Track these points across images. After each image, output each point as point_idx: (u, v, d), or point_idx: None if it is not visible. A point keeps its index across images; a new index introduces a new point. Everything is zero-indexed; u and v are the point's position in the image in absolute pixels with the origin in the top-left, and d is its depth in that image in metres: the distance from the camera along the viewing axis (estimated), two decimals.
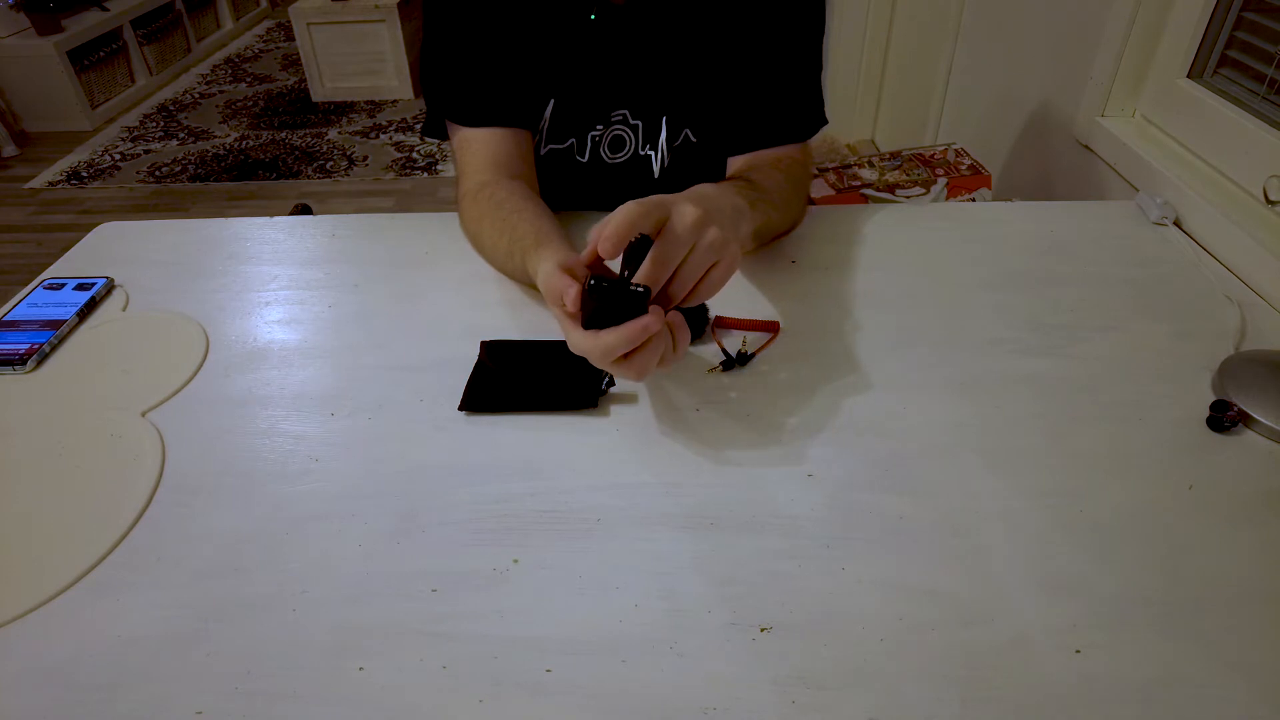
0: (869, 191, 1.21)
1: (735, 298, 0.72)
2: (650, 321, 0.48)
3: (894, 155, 1.29)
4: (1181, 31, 0.93)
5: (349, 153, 2.98)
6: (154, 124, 3.31)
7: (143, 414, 0.61)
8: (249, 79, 3.77)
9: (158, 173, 2.89)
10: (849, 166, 1.27)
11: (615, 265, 0.51)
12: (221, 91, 3.63)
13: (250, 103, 3.48)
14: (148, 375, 0.65)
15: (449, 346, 0.66)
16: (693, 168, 0.82)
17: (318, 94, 3.41)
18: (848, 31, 2.10)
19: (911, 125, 1.92)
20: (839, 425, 0.58)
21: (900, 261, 0.78)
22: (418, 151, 2.98)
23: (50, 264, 0.81)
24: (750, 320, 0.68)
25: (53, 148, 3.11)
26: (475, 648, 0.44)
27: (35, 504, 0.54)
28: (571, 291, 0.50)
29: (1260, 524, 0.50)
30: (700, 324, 0.67)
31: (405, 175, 2.82)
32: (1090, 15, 1.09)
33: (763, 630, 0.45)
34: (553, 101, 0.79)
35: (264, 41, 4.34)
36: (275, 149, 3.03)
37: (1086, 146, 1.09)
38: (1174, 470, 0.54)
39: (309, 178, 2.82)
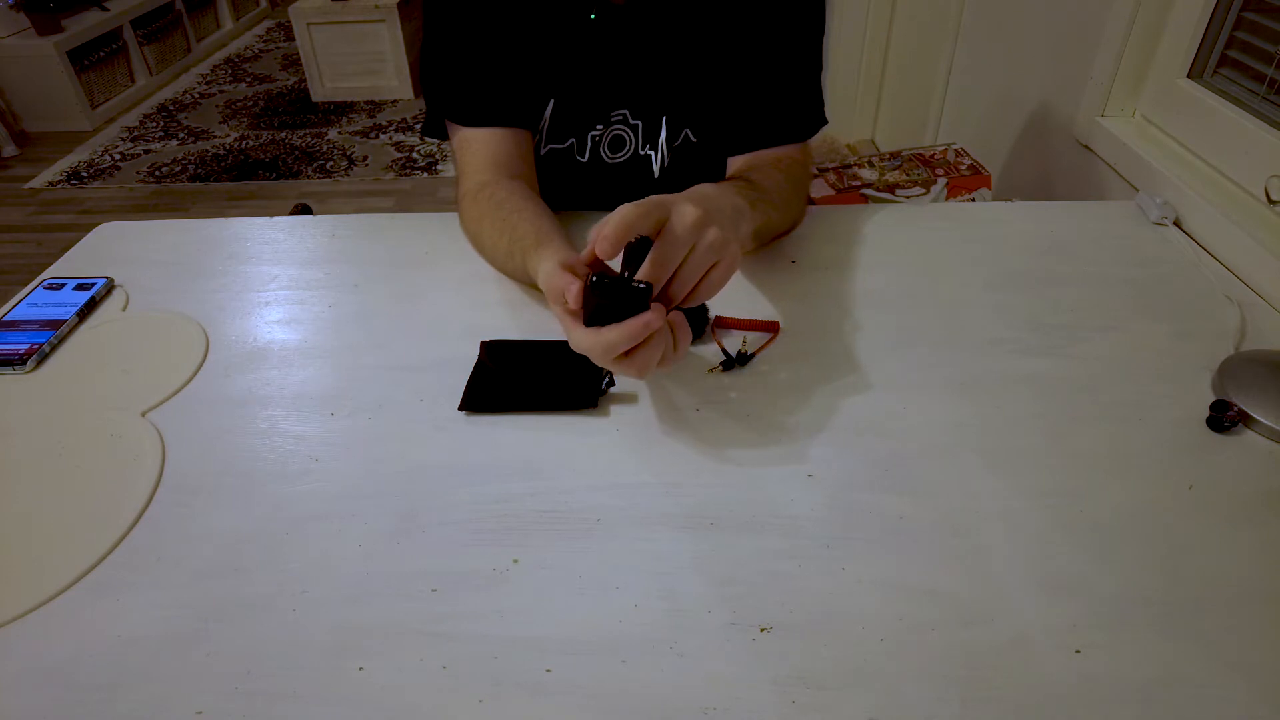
0: (869, 191, 1.21)
1: (735, 298, 0.72)
2: (652, 317, 0.48)
3: (894, 155, 1.29)
4: (1181, 31, 0.93)
5: (349, 153, 2.98)
6: (154, 124, 3.31)
7: (143, 414, 0.61)
8: (249, 79, 3.77)
9: (158, 173, 2.89)
10: (849, 166, 1.27)
11: (615, 265, 0.51)
12: (221, 91, 3.63)
13: (250, 103, 3.48)
14: (148, 375, 0.65)
15: (449, 346, 0.66)
16: (693, 168, 0.82)
17: (318, 94, 3.41)
18: (848, 31, 2.10)
19: (911, 125, 1.92)
20: (839, 425, 0.58)
21: (900, 261, 0.78)
22: (418, 151, 2.98)
23: (50, 264, 0.81)
24: (750, 320, 0.68)
25: (53, 148, 3.11)
26: (475, 648, 0.44)
27: (35, 504, 0.54)
28: (573, 289, 0.50)
29: (1260, 524, 0.50)
30: (700, 324, 0.67)
31: (405, 175, 2.82)
32: (1090, 15, 1.09)
33: (763, 630, 0.45)
34: (553, 101, 0.79)
35: (264, 41, 4.34)
36: (275, 149, 3.03)
37: (1086, 146, 1.09)
38: (1174, 470, 0.54)
39: (309, 178, 2.82)
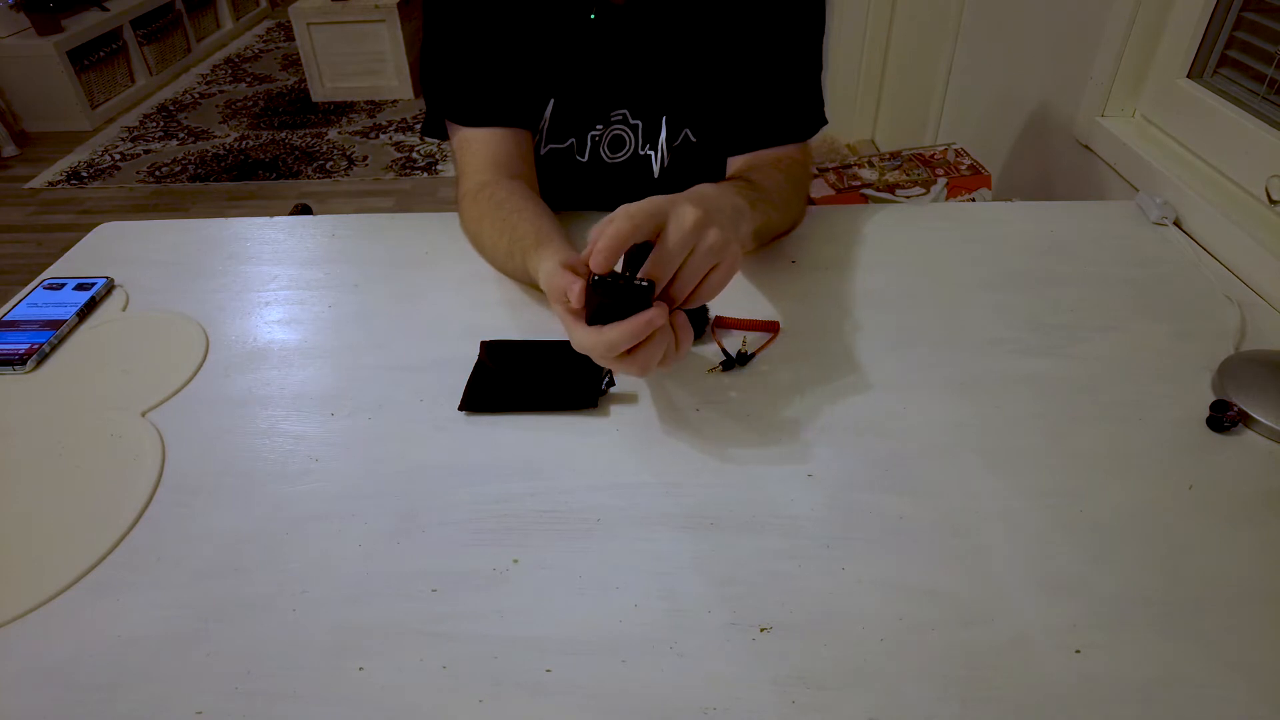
0: (869, 191, 1.21)
1: (735, 298, 0.72)
2: (654, 315, 0.48)
3: (894, 155, 1.29)
4: (1181, 31, 0.93)
5: (349, 153, 2.98)
6: (154, 124, 3.31)
7: (143, 414, 0.61)
8: (249, 79, 3.77)
9: (158, 173, 2.89)
10: (849, 166, 1.27)
11: (616, 264, 0.51)
12: (221, 91, 3.63)
13: (250, 103, 3.48)
14: (148, 375, 0.65)
15: (449, 346, 0.66)
16: (692, 168, 0.82)
17: (318, 94, 3.41)
18: (848, 31, 2.10)
19: (911, 125, 1.92)
20: (839, 425, 0.58)
21: (900, 261, 0.78)
22: (418, 151, 2.98)
23: (50, 264, 0.81)
24: (750, 320, 0.68)
25: (53, 148, 3.11)
26: (475, 648, 0.44)
27: (35, 504, 0.54)
28: (575, 288, 0.50)
29: (1260, 524, 0.50)
30: (700, 324, 0.67)
31: (405, 175, 2.82)
32: (1090, 15, 1.09)
33: (763, 630, 0.45)
34: (553, 101, 0.79)
35: (264, 41, 4.34)
36: (275, 149, 3.03)
37: (1086, 146, 1.09)
38: (1174, 470, 0.54)
39: (309, 178, 2.82)
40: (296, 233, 0.85)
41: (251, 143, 3.09)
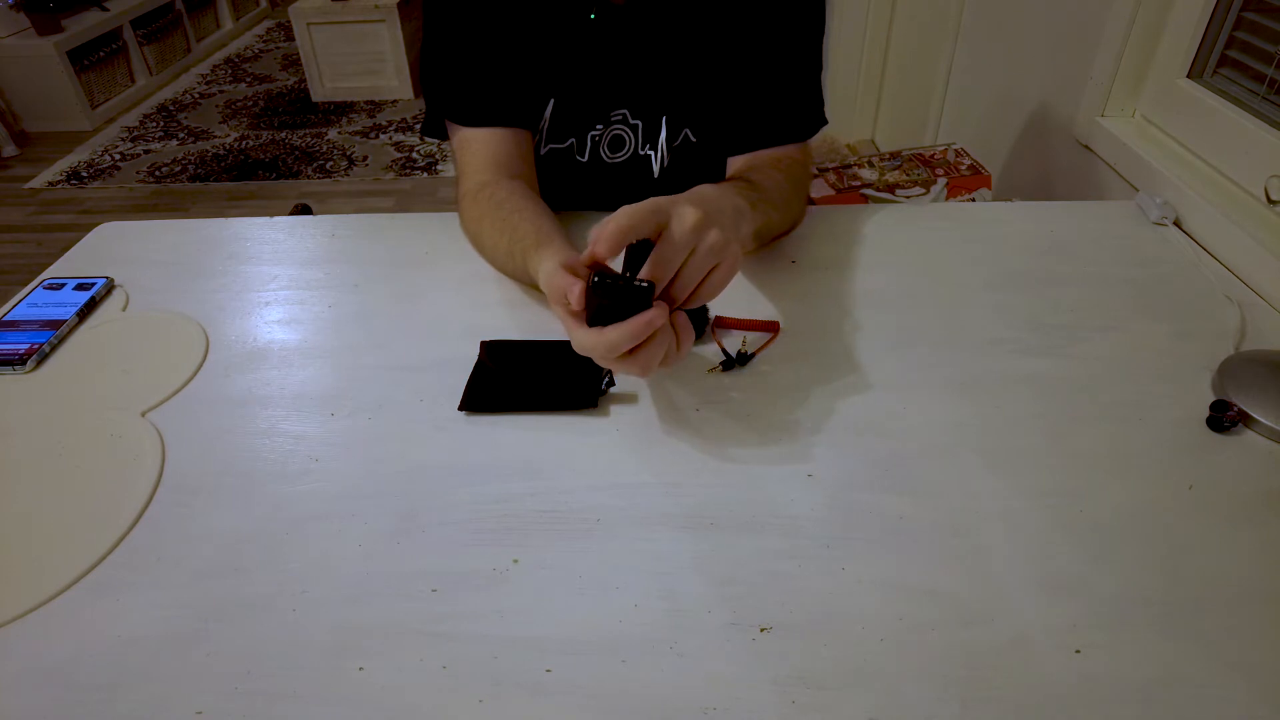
0: (869, 191, 1.21)
1: (735, 298, 0.72)
2: (655, 315, 0.48)
3: (894, 155, 1.29)
4: (1181, 31, 0.93)
5: (349, 153, 2.98)
6: (154, 124, 3.31)
7: (143, 414, 0.61)
8: (249, 79, 3.77)
9: (158, 173, 2.89)
10: (849, 166, 1.27)
11: (616, 265, 0.51)
12: (221, 91, 3.63)
13: (250, 103, 3.48)
14: (148, 375, 0.65)
15: (449, 346, 0.66)
16: (692, 168, 0.82)
17: (318, 94, 3.41)
18: (848, 31, 2.10)
19: (911, 125, 1.92)
20: (839, 425, 0.58)
21: (900, 261, 0.78)
22: (418, 151, 2.98)
23: (50, 264, 0.81)
24: (750, 320, 0.68)
25: (53, 148, 3.11)
26: (475, 648, 0.44)
27: (35, 504, 0.54)
28: (575, 289, 0.50)
29: (1260, 524, 0.50)
30: (700, 324, 0.67)
31: (405, 175, 2.82)
32: (1090, 15, 1.09)
33: (763, 630, 0.45)
34: (553, 101, 0.79)
35: (264, 41, 4.34)
36: (275, 149, 3.03)
37: (1086, 146, 1.09)
38: (1174, 470, 0.54)
39: (309, 178, 2.82)
40: (296, 233, 0.85)
41: (251, 143, 3.09)
